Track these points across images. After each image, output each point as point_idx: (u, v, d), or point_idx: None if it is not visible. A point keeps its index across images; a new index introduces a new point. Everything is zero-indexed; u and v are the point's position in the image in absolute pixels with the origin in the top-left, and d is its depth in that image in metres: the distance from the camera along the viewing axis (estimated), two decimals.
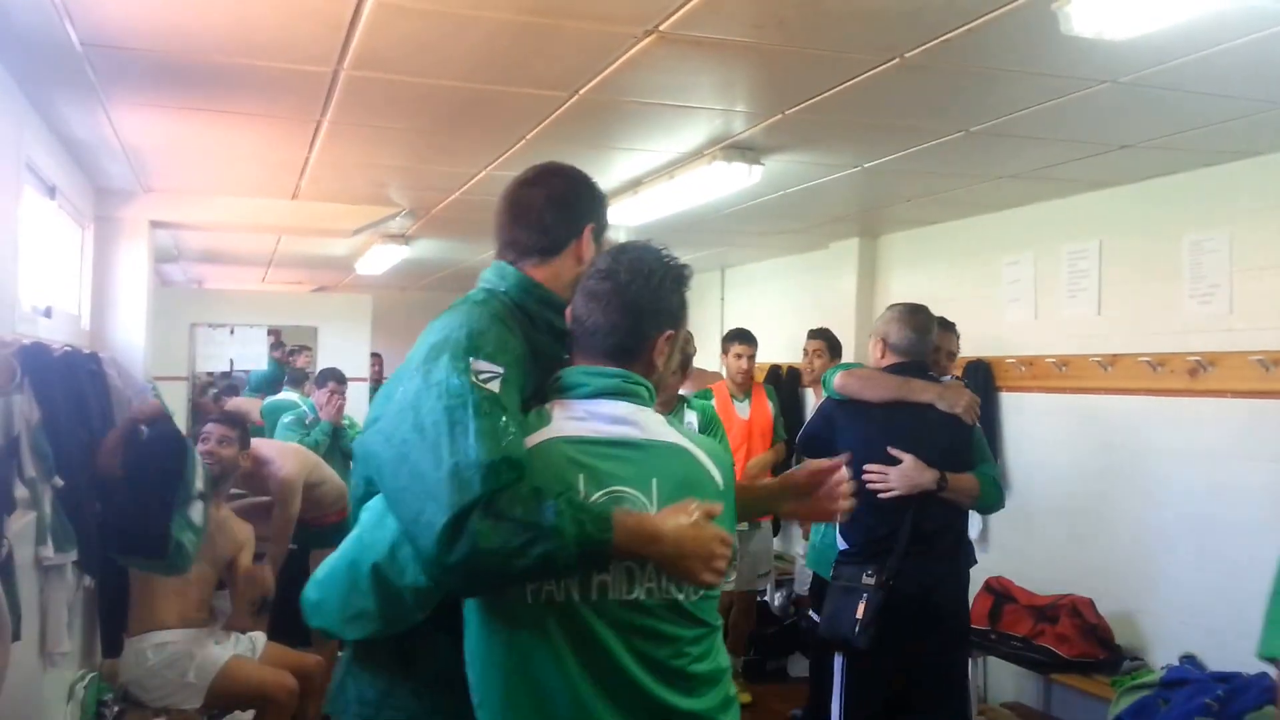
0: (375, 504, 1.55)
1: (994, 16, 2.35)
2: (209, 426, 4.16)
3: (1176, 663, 3.75)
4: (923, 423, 3.17)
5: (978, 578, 3.78)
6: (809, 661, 3.71)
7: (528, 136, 3.56)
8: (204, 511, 3.59)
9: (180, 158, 4.14)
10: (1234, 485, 3.76)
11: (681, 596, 1.52)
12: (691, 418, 4.27)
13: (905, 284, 5.57)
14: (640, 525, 1.46)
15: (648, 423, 1.57)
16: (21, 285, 3.13)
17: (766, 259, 7.08)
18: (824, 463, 1.89)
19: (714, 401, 4.77)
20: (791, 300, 6.70)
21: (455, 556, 1.36)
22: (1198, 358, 3.86)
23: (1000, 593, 4.45)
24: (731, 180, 3.86)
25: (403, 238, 6.07)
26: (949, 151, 3.69)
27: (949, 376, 3.92)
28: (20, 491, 2.67)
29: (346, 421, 5.73)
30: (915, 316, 3.32)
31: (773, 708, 4.92)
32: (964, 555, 3.34)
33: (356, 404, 6.06)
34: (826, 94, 3.01)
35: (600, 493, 1.49)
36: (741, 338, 5.07)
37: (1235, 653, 3.61)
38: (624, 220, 4.80)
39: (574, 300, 1.64)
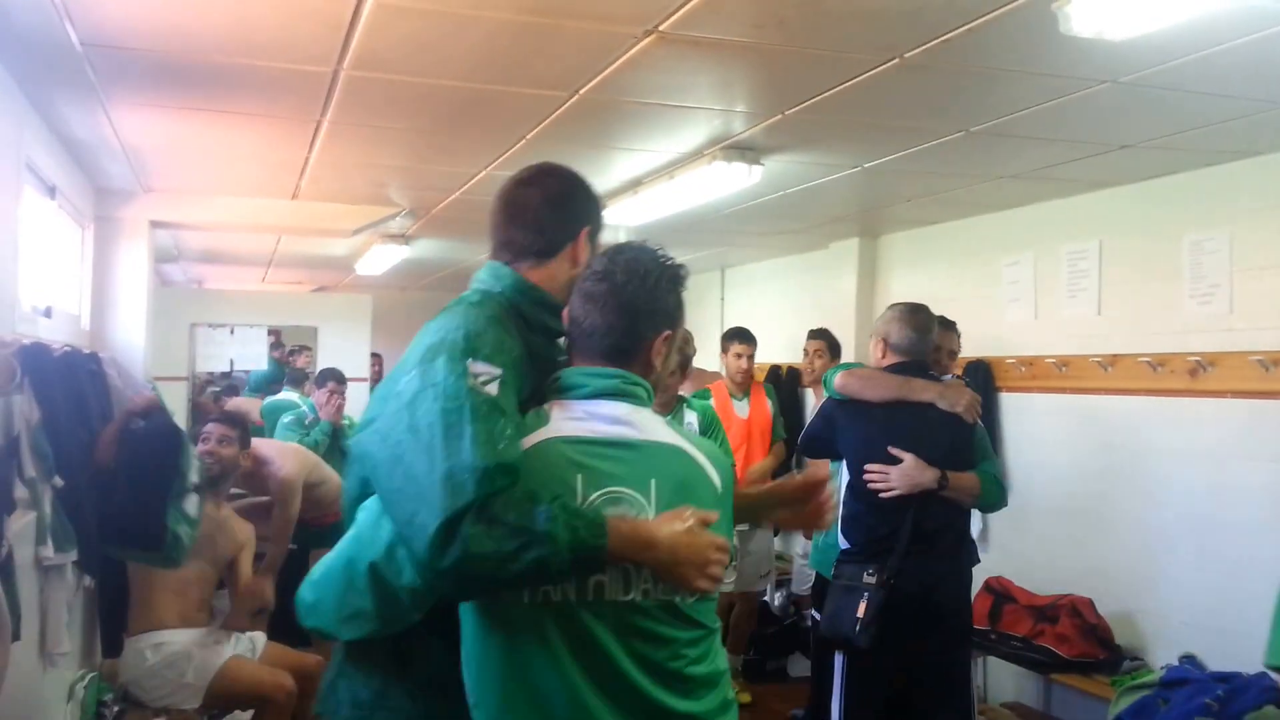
0: (372, 504, 1.54)
1: (994, 16, 2.35)
2: (209, 426, 4.16)
3: (1176, 663, 3.75)
4: (923, 422, 3.17)
5: (978, 578, 3.78)
6: (811, 661, 3.71)
7: (528, 136, 3.56)
8: (199, 504, 3.59)
9: (180, 158, 4.14)
10: (1234, 485, 3.76)
11: (678, 598, 1.52)
12: (691, 418, 4.26)
13: (905, 284, 5.57)
14: (635, 531, 1.45)
15: (646, 424, 1.57)
16: (21, 285, 3.13)
17: (766, 259, 7.08)
18: (814, 475, 1.94)
19: (713, 401, 4.77)
20: (791, 300, 6.70)
21: (447, 561, 1.36)
22: (1198, 358, 3.86)
23: (1000, 593, 4.45)
24: (731, 180, 3.86)
25: (403, 238, 6.07)
26: (949, 151, 3.69)
27: (950, 375, 3.92)
28: (20, 491, 2.67)
29: (346, 421, 5.73)
30: (915, 316, 3.32)
31: (773, 708, 4.92)
32: (966, 554, 3.34)
33: (356, 404, 6.06)
34: (826, 94, 3.01)
35: (598, 493, 1.49)
36: (741, 337, 5.06)
37: (1235, 653, 3.61)
38: (624, 220, 4.80)
39: (571, 302, 1.64)
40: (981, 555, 3.61)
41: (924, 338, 3.32)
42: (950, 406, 3.19)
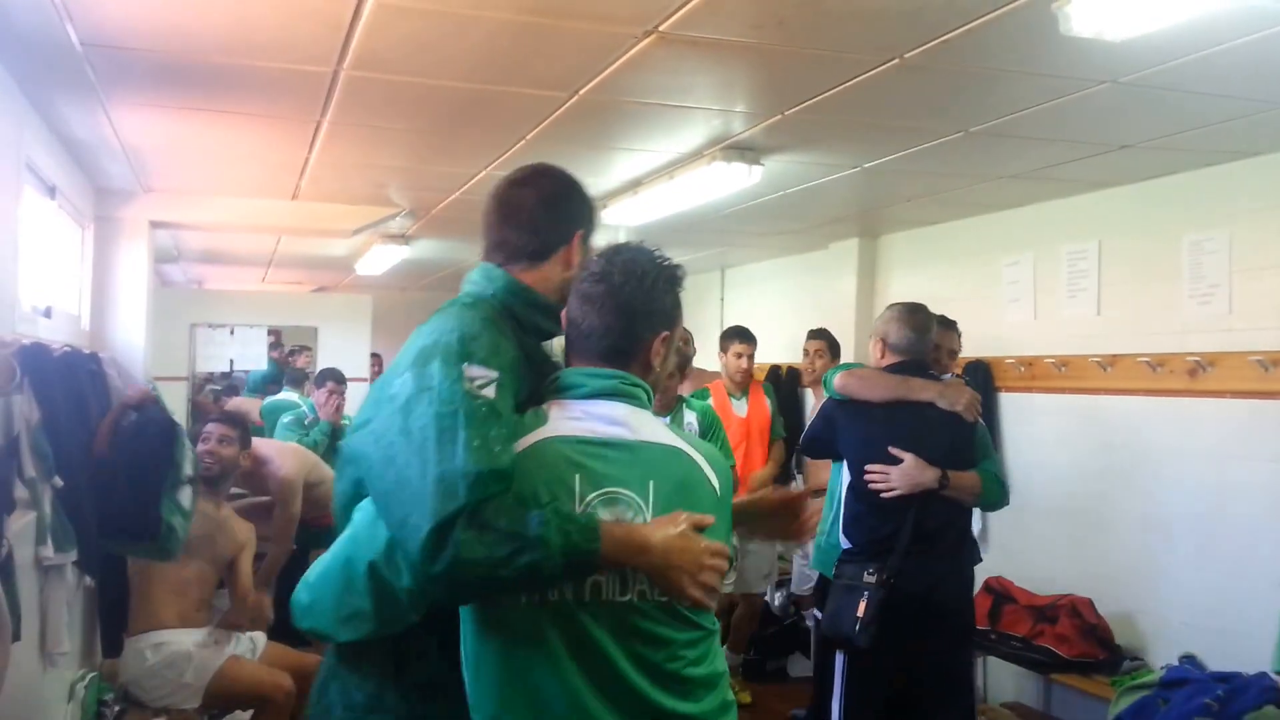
0: (369, 504, 1.54)
1: (994, 17, 2.35)
2: (209, 426, 4.16)
3: (1176, 663, 3.75)
4: (923, 421, 3.18)
5: (978, 578, 3.78)
6: (814, 660, 3.71)
7: (528, 136, 3.56)
8: (193, 496, 3.59)
9: (180, 158, 4.14)
10: (1233, 485, 3.76)
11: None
12: (691, 418, 4.27)
13: (905, 284, 5.57)
14: (628, 535, 1.45)
15: (645, 425, 1.57)
16: (21, 285, 3.13)
17: (766, 259, 7.08)
18: (792, 492, 1.95)
19: (711, 401, 4.77)
20: (791, 300, 6.70)
21: (439, 566, 1.35)
22: (1197, 358, 3.87)
23: (1000, 593, 4.46)
24: (731, 180, 3.86)
25: (403, 238, 6.07)
26: (949, 152, 3.69)
27: (950, 375, 3.92)
28: (20, 491, 2.67)
29: (345, 421, 5.73)
30: (914, 316, 3.32)
31: (773, 708, 4.92)
32: (967, 553, 3.34)
33: (356, 404, 6.03)
34: (826, 94, 3.01)
35: (596, 493, 1.49)
36: (742, 336, 5.04)
37: (1235, 653, 3.61)
38: (624, 220, 4.80)
39: (569, 303, 1.64)
40: (982, 555, 3.61)
41: (923, 337, 3.33)
42: (950, 405, 3.19)
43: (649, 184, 4.28)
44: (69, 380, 3.15)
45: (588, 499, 1.48)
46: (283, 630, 4.14)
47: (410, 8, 2.36)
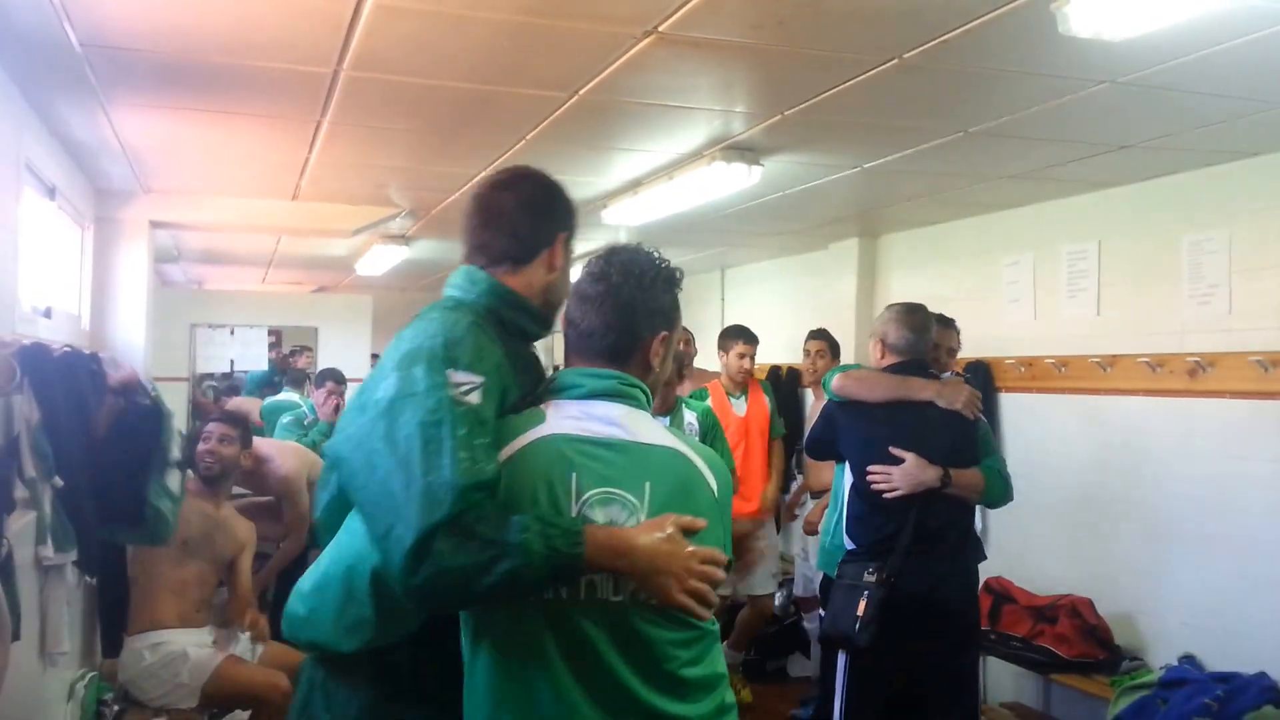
0: None
1: (993, 17, 2.35)
2: (210, 425, 4.16)
3: (1175, 663, 3.76)
4: (924, 421, 3.18)
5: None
6: (820, 661, 3.72)
7: (528, 137, 3.56)
8: (181, 480, 3.59)
9: (180, 158, 4.14)
10: (1233, 486, 3.76)
11: None
12: (691, 418, 4.27)
13: (905, 284, 5.57)
14: (611, 539, 1.44)
15: (643, 425, 1.57)
16: (21, 285, 3.13)
17: (766, 259, 7.08)
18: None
19: (710, 400, 4.77)
20: (791, 301, 6.70)
21: (420, 577, 1.35)
22: (1197, 358, 3.87)
23: (999, 593, 4.46)
24: (731, 181, 3.86)
25: (403, 238, 6.07)
26: (948, 152, 3.69)
27: (950, 373, 3.92)
28: (20, 491, 2.67)
29: None
30: (912, 316, 3.33)
31: (773, 707, 4.91)
32: (970, 552, 3.33)
33: None
34: (826, 95, 3.01)
35: (592, 492, 1.49)
36: (745, 337, 4.99)
37: (1234, 653, 3.62)
38: (624, 220, 4.80)
39: (567, 304, 1.64)
40: (986, 553, 3.60)
41: (921, 337, 3.33)
42: (949, 404, 3.20)
43: (649, 184, 4.28)
44: (69, 380, 3.15)
45: (584, 498, 1.48)
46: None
47: (410, 8, 2.36)
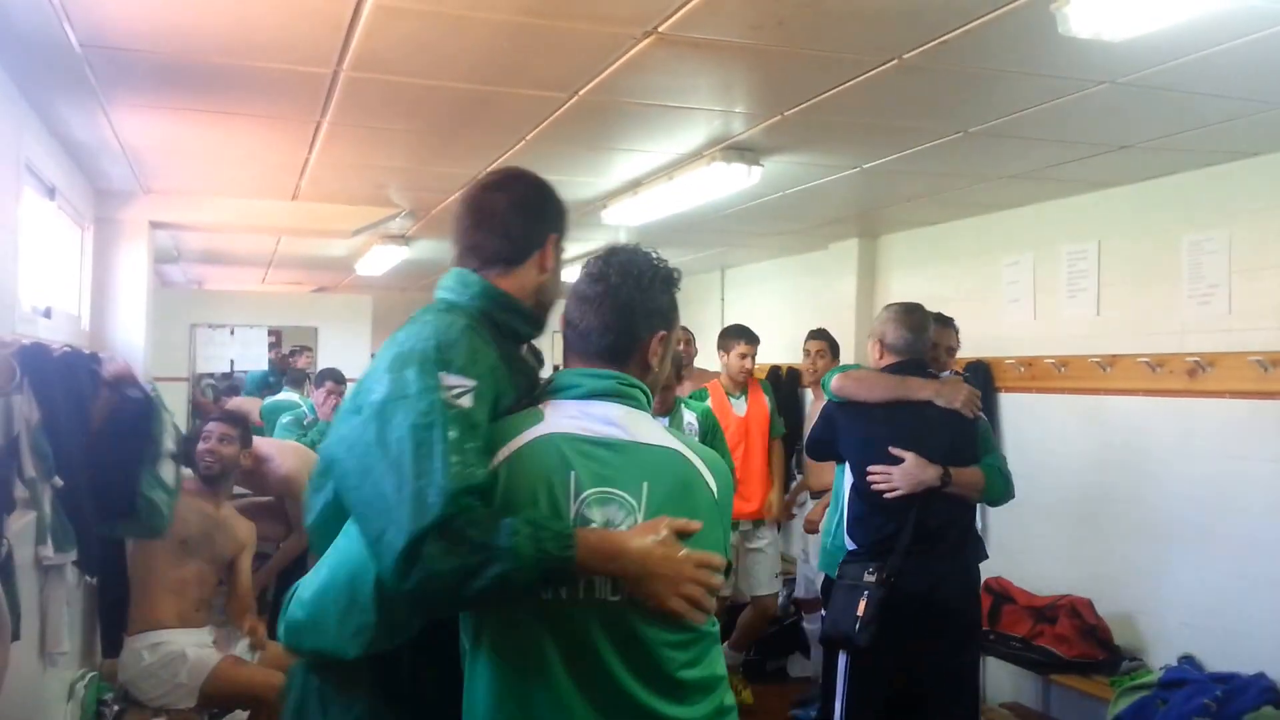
0: None
1: (992, 17, 2.35)
2: (210, 425, 4.16)
3: (1175, 663, 3.76)
4: (923, 420, 3.18)
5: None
6: (822, 661, 3.72)
7: (527, 137, 3.56)
8: (177, 471, 3.59)
9: (180, 158, 4.15)
10: (1233, 486, 3.76)
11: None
12: (691, 418, 4.27)
13: (905, 285, 5.58)
14: (603, 542, 1.43)
15: (642, 426, 1.57)
16: (21, 286, 3.13)
17: (766, 259, 7.08)
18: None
19: (710, 401, 4.76)
20: (791, 301, 6.70)
21: (411, 582, 1.35)
22: (1196, 358, 3.87)
23: (999, 593, 4.46)
24: (731, 181, 3.86)
25: (402, 238, 6.07)
26: (948, 152, 3.69)
27: (949, 372, 3.92)
28: (20, 491, 2.67)
29: None
30: (910, 316, 3.33)
31: (773, 707, 4.91)
32: (971, 551, 3.32)
33: None
34: (825, 95, 3.01)
35: (590, 491, 1.48)
36: (747, 337, 4.97)
37: (1234, 653, 3.62)
38: (624, 221, 4.80)
39: (566, 304, 1.65)
40: (987, 552, 3.60)
41: (919, 337, 3.33)
42: (948, 403, 3.20)
43: (649, 184, 4.28)
44: (69, 380, 3.15)
45: (581, 497, 1.48)
46: None
47: (410, 8, 2.36)
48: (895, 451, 3.16)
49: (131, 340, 4.62)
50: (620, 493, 1.50)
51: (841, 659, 3.23)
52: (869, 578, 3.10)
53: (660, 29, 2.46)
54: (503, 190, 1.72)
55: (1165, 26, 2.27)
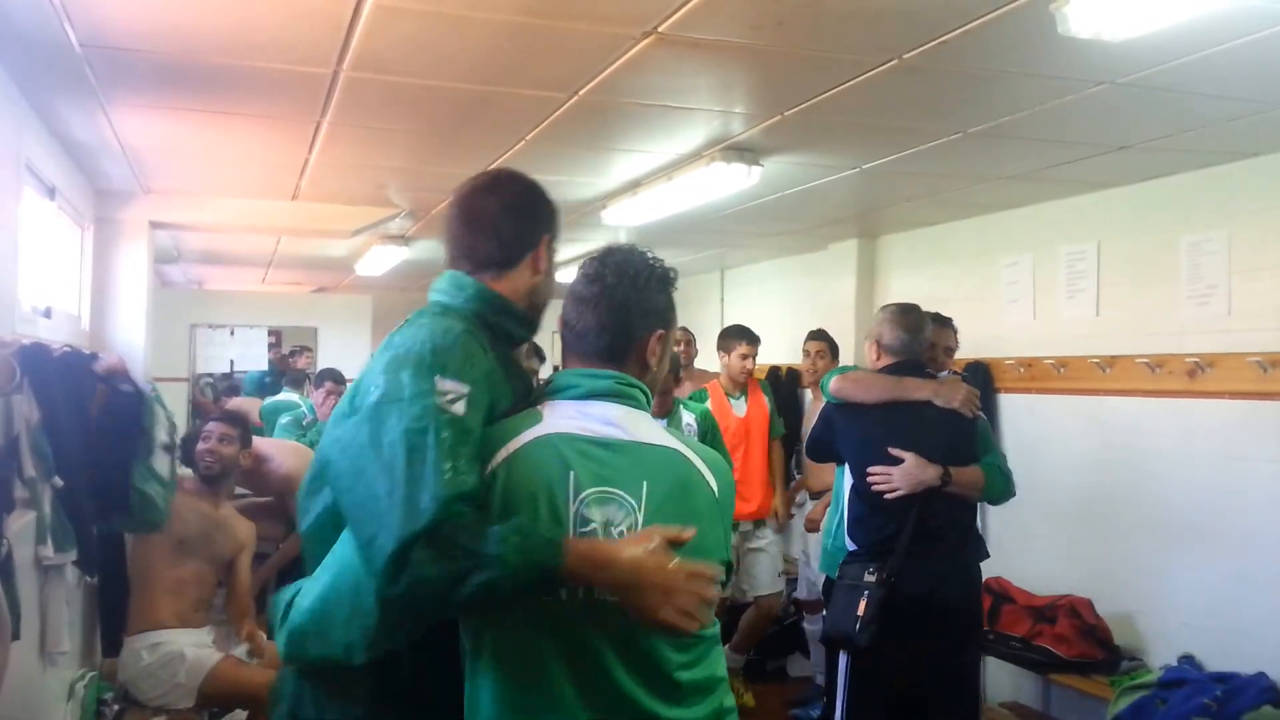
0: None
1: (992, 18, 2.36)
2: (210, 425, 4.17)
3: (1175, 663, 3.76)
4: (921, 420, 3.18)
5: None
6: (824, 662, 3.73)
7: (527, 137, 3.56)
8: (171, 464, 3.58)
9: (180, 159, 4.14)
10: (1232, 486, 3.77)
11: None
12: (690, 419, 4.27)
13: (904, 285, 5.58)
14: (592, 551, 1.43)
15: (641, 425, 1.57)
16: (21, 286, 3.13)
17: (766, 260, 7.08)
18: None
19: (709, 401, 4.76)
20: (791, 301, 6.71)
21: (399, 587, 1.35)
22: (1196, 359, 3.87)
23: (999, 593, 4.46)
24: (730, 181, 3.86)
25: (402, 238, 6.07)
26: (947, 153, 3.69)
27: (948, 372, 3.93)
28: (20, 491, 2.67)
29: None
30: (906, 316, 3.34)
31: (773, 707, 4.92)
32: (972, 550, 3.32)
33: None
34: (825, 95, 3.01)
35: (589, 491, 1.48)
36: (748, 337, 4.97)
37: (1234, 653, 3.62)
38: (623, 221, 4.80)
39: (564, 305, 1.65)
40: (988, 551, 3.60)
41: (916, 337, 3.33)
42: (946, 402, 3.20)
43: (648, 185, 4.28)
44: (69, 380, 3.16)
45: (580, 496, 1.48)
46: None
47: (410, 8, 2.36)
48: (895, 452, 3.16)
49: (131, 340, 4.61)
50: (620, 492, 1.49)
51: (842, 659, 3.23)
52: (869, 578, 3.10)
53: (660, 29, 2.46)
54: (494, 193, 1.71)
55: (1165, 27, 2.27)
